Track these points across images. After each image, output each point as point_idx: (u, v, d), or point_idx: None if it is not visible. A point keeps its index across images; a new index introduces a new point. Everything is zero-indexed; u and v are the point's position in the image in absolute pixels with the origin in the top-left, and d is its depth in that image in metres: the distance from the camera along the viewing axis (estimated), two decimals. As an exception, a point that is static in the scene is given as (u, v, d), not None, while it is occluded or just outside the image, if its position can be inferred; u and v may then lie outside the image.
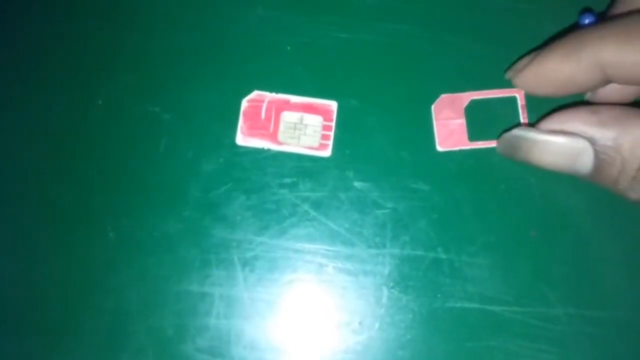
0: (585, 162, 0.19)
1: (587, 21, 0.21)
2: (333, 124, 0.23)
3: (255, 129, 0.23)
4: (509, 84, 0.22)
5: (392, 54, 0.23)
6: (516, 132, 0.20)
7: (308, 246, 0.22)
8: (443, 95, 0.23)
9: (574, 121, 0.19)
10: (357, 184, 0.22)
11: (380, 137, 0.23)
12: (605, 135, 0.18)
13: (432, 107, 0.23)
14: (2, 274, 0.22)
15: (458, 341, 0.21)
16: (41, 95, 0.23)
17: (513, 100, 0.23)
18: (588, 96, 0.21)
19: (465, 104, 0.23)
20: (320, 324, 0.22)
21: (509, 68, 0.22)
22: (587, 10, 0.22)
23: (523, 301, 0.22)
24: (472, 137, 0.22)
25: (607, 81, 0.19)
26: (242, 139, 0.23)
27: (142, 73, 0.23)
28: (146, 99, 0.23)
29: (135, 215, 0.22)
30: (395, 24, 0.23)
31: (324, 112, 0.23)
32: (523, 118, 0.22)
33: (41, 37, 0.24)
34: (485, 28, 0.23)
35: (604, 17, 0.21)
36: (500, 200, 0.22)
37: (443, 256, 0.22)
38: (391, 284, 0.22)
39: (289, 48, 0.23)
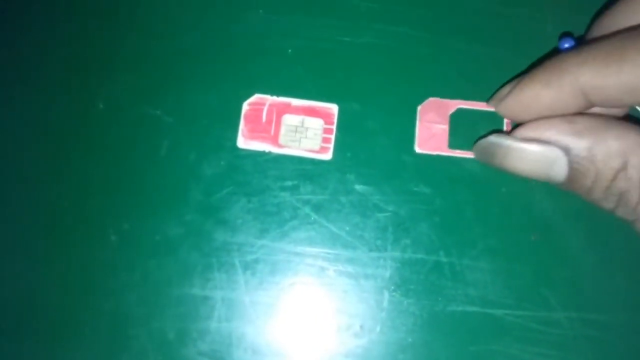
0: (559, 171, 0.19)
1: (566, 45, 0.21)
2: (334, 127, 0.23)
3: (257, 132, 0.23)
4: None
5: (393, 57, 0.23)
6: (491, 138, 0.20)
7: (309, 249, 0.22)
8: (431, 99, 0.23)
9: (549, 130, 0.19)
10: (358, 187, 0.22)
11: (381, 140, 0.23)
12: (580, 145, 0.18)
13: (419, 107, 0.23)
14: (3, 277, 0.22)
15: (459, 345, 0.21)
16: (41, 99, 0.23)
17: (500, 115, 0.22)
18: None
19: (452, 110, 0.23)
20: (321, 327, 0.22)
21: (491, 97, 0.22)
22: (566, 35, 0.22)
23: (524, 305, 0.22)
24: (453, 144, 0.23)
25: (590, 105, 0.19)
26: (244, 142, 0.23)
27: (143, 76, 0.23)
28: (147, 101, 0.23)
29: (137, 218, 0.22)
30: (396, 26, 0.23)
31: (325, 115, 0.23)
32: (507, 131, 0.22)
33: (41, 39, 0.24)
34: (486, 31, 0.23)
35: (582, 41, 0.21)
36: (501, 204, 0.22)
37: (444, 260, 0.22)
38: (392, 287, 0.22)
39: (290, 51, 0.23)
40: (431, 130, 0.23)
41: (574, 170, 0.18)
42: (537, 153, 0.19)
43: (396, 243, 0.22)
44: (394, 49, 0.23)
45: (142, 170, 0.22)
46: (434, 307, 0.22)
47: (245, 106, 0.23)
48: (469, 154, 0.22)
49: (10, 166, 0.23)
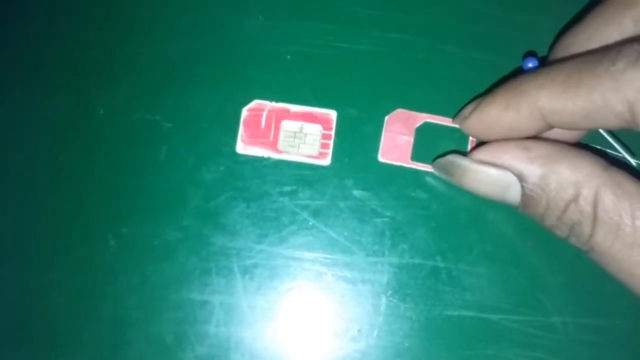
0: (513, 195, 0.19)
1: (530, 65, 0.21)
2: (332, 132, 0.23)
3: (256, 137, 0.23)
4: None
5: (390, 64, 0.23)
6: (450, 158, 0.21)
7: (307, 254, 0.22)
8: (399, 110, 0.23)
9: (505, 155, 0.19)
10: (356, 192, 0.23)
11: (379, 146, 0.23)
12: (533, 172, 0.18)
13: (386, 118, 0.23)
14: (0, 282, 0.22)
15: (456, 349, 0.22)
16: (41, 104, 0.23)
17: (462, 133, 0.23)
18: None
19: (419, 124, 0.23)
20: (319, 331, 0.22)
21: (456, 114, 0.22)
22: (530, 54, 0.22)
23: (520, 309, 0.22)
24: (415, 157, 0.23)
25: (549, 127, 0.19)
26: (243, 148, 0.23)
27: (142, 81, 0.23)
28: (146, 107, 0.23)
29: (136, 222, 0.22)
30: (395, 33, 0.24)
31: (323, 121, 0.23)
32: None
33: (40, 44, 0.24)
34: (484, 38, 0.23)
35: (545, 61, 0.21)
36: (498, 210, 0.22)
37: (441, 264, 0.22)
38: (390, 292, 0.22)
39: (288, 57, 0.24)
40: (395, 141, 0.23)
41: (526, 196, 0.19)
42: (492, 177, 0.19)
43: (394, 248, 0.22)
44: (392, 55, 0.23)
45: (141, 175, 0.23)
46: (431, 312, 0.22)
47: (244, 112, 0.23)
48: (430, 168, 0.22)
49: (9, 170, 0.23)
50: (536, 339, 0.22)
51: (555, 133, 0.20)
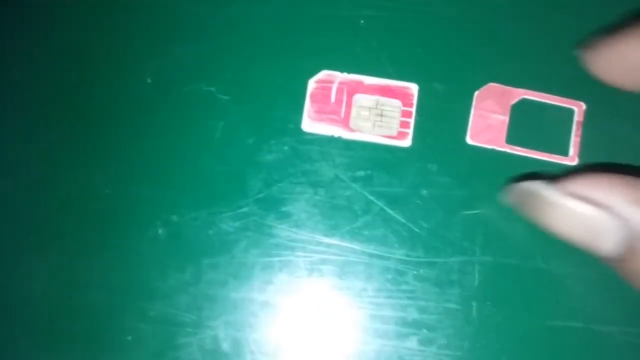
0: (610, 243, 0.15)
1: None
2: (413, 109, 0.20)
3: (324, 113, 0.20)
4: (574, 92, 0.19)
5: (481, 31, 0.20)
6: (534, 185, 0.17)
7: (384, 250, 0.19)
8: (491, 84, 0.20)
9: (611, 192, 0.15)
10: (441, 179, 0.20)
11: (467, 126, 0.20)
12: None
13: (475, 93, 0.20)
14: (38, 273, 0.19)
15: (561, 366, 0.18)
16: (83, 72, 0.20)
17: (569, 112, 0.20)
18: None
19: (515, 100, 0.20)
20: (398, 341, 0.19)
21: (581, 44, 0.19)
22: None
23: (637, 321, 0.19)
24: (511, 139, 0.20)
25: None
26: (309, 125, 0.20)
27: (196, 47, 0.20)
28: (200, 77, 0.20)
29: (187, 209, 0.19)
30: (486, -5, 0.21)
31: (402, 96, 0.20)
32: (575, 136, 0.20)
33: (84, 8, 0.21)
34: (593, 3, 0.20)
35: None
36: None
37: (543, 266, 0.19)
38: (481, 297, 0.19)
39: (362, 22, 0.21)
40: (487, 121, 0.20)
41: (630, 248, 0.15)
42: (587, 217, 0.15)
43: (486, 246, 0.19)
44: (481, 21, 0.20)
45: (194, 155, 0.20)
46: (531, 322, 0.19)
47: (311, 84, 0.20)
48: (530, 153, 0.19)
49: (47, 149, 0.20)
50: (656, 357, 0.18)
51: None
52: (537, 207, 0.17)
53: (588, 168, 0.17)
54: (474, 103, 0.20)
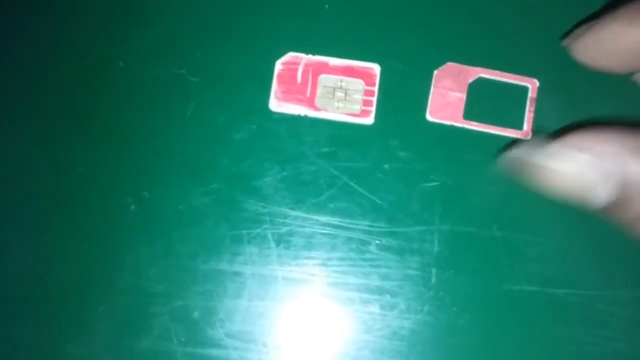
0: (601, 194, 0.16)
1: None
2: (375, 88, 0.21)
3: (291, 93, 0.21)
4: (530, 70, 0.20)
5: (440, 12, 0.21)
6: (523, 150, 0.17)
7: (348, 221, 0.20)
8: (449, 63, 0.21)
9: (598, 144, 0.16)
10: (402, 153, 0.20)
11: (427, 103, 0.21)
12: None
13: (435, 72, 0.21)
14: (12, 249, 0.20)
15: (517, 328, 0.19)
16: (56, 55, 0.21)
17: (524, 89, 0.21)
18: (637, 76, 0.19)
19: (471, 79, 0.21)
20: (363, 306, 0.20)
21: (566, 34, 0.20)
22: None
23: (589, 284, 0.19)
24: (468, 115, 0.20)
25: None
26: (277, 105, 0.21)
27: (166, 31, 0.21)
28: (171, 60, 0.21)
29: (158, 186, 0.20)
30: (443, -19, 0.22)
31: (365, 76, 0.21)
32: (529, 111, 0.21)
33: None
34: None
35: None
36: (561, 173, 0.20)
37: (498, 234, 0.20)
38: (441, 264, 0.20)
39: (327, 6, 0.21)
40: (446, 98, 0.21)
41: (624, 195, 0.16)
42: (585, 165, 0.16)
43: (445, 216, 0.20)
44: (441, 2, 0.21)
45: (165, 134, 0.20)
46: (488, 286, 0.20)
47: (278, 65, 0.21)
48: (485, 127, 0.20)
49: (21, 129, 0.21)
50: (606, 316, 0.19)
51: None
52: (532, 170, 0.17)
53: (575, 127, 0.18)
54: (433, 81, 0.21)
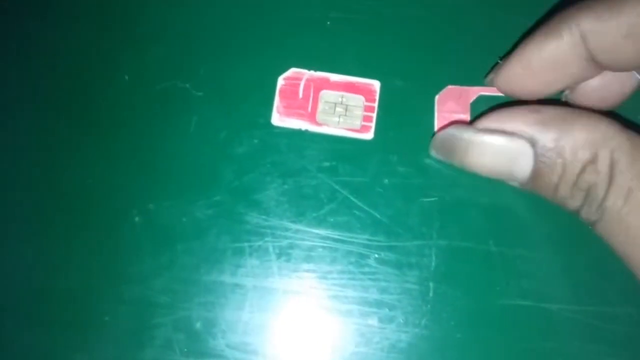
0: (523, 165, 0.17)
1: None
2: (375, 104, 0.21)
3: (292, 108, 0.21)
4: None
5: (439, 31, 0.22)
6: (451, 130, 0.19)
7: (348, 235, 0.20)
8: (449, 87, 0.21)
9: (514, 120, 0.17)
10: (401, 169, 0.21)
11: (426, 119, 0.21)
12: (546, 136, 0.17)
13: (436, 97, 0.21)
14: (19, 260, 0.20)
15: (512, 342, 0.20)
16: (63, 69, 0.22)
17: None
18: (566, 94, 0.20)
19: (472, 99, 0.21)
20: (362, 319, 0.20)
21: (487, 73, 0.21)
22: None
23: (583, 299, 0.20)
24: None
25: (590, 59, 0.17)
26: (278, 119, 0.21)
27: (172, 47, 0.21)
28: (175, 74, 0.21)
29: (163, 199, 0.20)
30: (443, -1, 0.22)
31: (365, 92, 0.21)
32: None
33: (63, 8, 0.22)
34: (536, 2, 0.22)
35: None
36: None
37: (494, 249, 0.20)
38: (438, 278, 0.20)
39: (328, 23, 0.22)
40: (450, 121, 0.21)
41: (539, 164, 0.17)
42: (500, 146, 0.17)
43: (442, 230, 0.20)
44: (440, 21, 0.22)
45: (170, 148, 0.21)
46: (484, 301, 0.20)
47: (280, 81, 0.21)
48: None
49: (28, 141, 0.21)
50: (599, 332, 0.20)
51: (589, 90, 0.19)
52: (458, 149, 0.19)
53: (494, 107, 0.19)
54: (436, 106, 0.21)
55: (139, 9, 0.22)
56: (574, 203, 0.17)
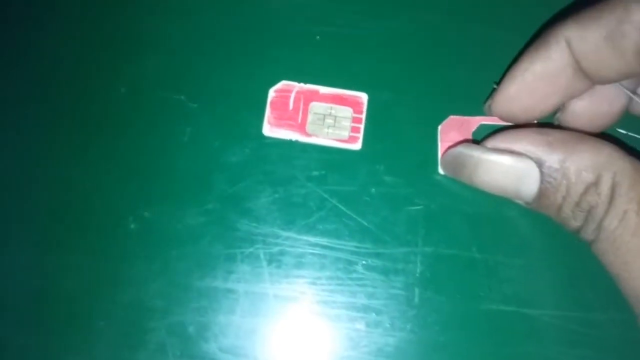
0: (530, 185, 0.18)
1: None
2: (363, 116, 0.22)
3: (283, 119, 0.22)
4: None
5: (425, 45, 0.22)
6: (461, 149, 0.20)
7: (336, 242, 0.21)
8: (451, 117, 0.22)
9: (522, 141, 0.18)
10: (388, 178, 0.22)
11: (412, 130, 0.22)
12: (552, 157, 0.18)
13: (439, 127, 0.22)
14: (16, 265, 0.21)
15: (494, 346, 0.20)
16: (61, 81, 0.22)
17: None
18: (557, 116, 0.21)
19: (474, 128, 0.22)
20: (349, 324, 0.21)
21: (485, 100, 0.21)
22: None
23: (563, 305, 0.21)
24: None
25: (579, 70, 0.18)
26: (269, 130, 0.22)
27: (167, 59, 0.22)
28: (171, 86, 0.22)
29: (158, 206, 0.21)
30: (430, 13, 0.23)
31: (353, 104, 0.22)
32: None
33: (60, 19, 0.23)
34: (521, 16, 0.22)
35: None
36: (538, 198, 0.21)
37: (478, 256, 0.21)
38: (423, 283, 0.21)
39: (318, 37, 0.23)
40: (459, 141, 0.21)
41: (545, 184, 0.18)
42: (508, 165, 0.18)
43: (428, 238, 0.21)
44: (426, 36, 0.23)
45: (164, 157, 0.22)
46: (468, 306, 0.21)
47: (271, 93, 0.22)
48: None
49: (27, 149, 0.22)
50: (579, 336, 0.20)
51: (579, 112, 0.20)
52: (467, 166, 0.19)
53: (504, 128, 0.20)
54: (439, 136, 0.22)
55: (135, 22, 0.23)
56: (575, 223, 0.18)
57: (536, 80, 0.19)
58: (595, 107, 0.20)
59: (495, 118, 0.21)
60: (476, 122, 0.22)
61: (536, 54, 0.19)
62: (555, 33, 0.18)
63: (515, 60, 0.21)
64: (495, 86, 0.20)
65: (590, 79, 0.19)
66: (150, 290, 0.21)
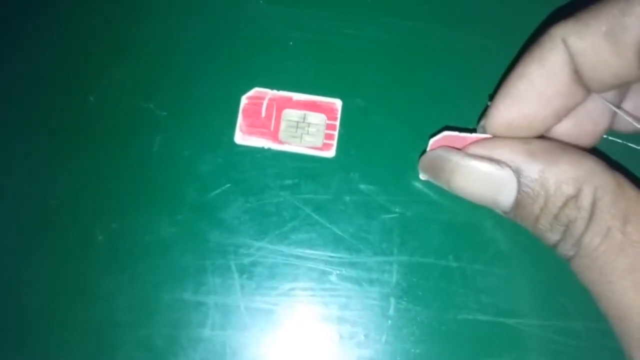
0: (507, 194, 0.18)
1: None
2: (337, 123, 0.22)
3: (255, 127, 0.21)
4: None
5: (399, 52, 0.22)
6: (440, 152, 0.19)
7: (310, 252, 0.21)
8: (445, 133, 0.20)
9: (502, 148, 0.18)
10: (362, 186, 0.21)
11: (387, 138, 0.21)
12: (532, 167, 0.17)
13: (430, 141, 0.20)
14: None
15: (471, 356, 0.20)
16: (30, 90, 0.22)
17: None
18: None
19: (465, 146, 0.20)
20: (322, 336, 0.20)
21: (479, 119, 0.21)
22: None
23: (541, 314, 0.20)
24: None
25: (576, 74, 0.17)
26: (241, 138, 0.21)
27: (135, 67, 0.22)
28: (140, 94, 0.22)
29: (126, 217, 0.21)
30: (404, 20, 0.22)
31: (327, 111, 0.22)
32: None
33: (29, 30, 0.23)
34: (497, 23, 0.22)
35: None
36: (515, 205, 0.21)
37: (454, 264, 0.21)
38: (399, 293, 0.20)
39: (291, 43, 0.22)
40: (441, 145, 0.21)
41: (523, 194, 0.17)
42: (486, 172, 0.18)
43: (403, 246, 0.21)
44: (400, 43, 0.22)
45: (134, 167, 0.21)
46: (444, 315, 0.20)
47: (243, 100, 0.22)
48: None
49: (-7, 161, 0.21)
50: (557, 346, 0.20)
51: (568, 128, 0.19)
52: (444, 170, 0.19)
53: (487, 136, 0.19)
54: (429, 147, 0.20)
55: (104, 29, 0.22)
56: (553, 237, 0.17)
57: (531, 86, 0.18)
58: (579, 127, 0.19)
59: (490, 136, 0.20)
60: (468, 141, 0.20)
61: (530, 58, 0.18)
62: (549, 33, 0.17)
63: (495, 66, 0.21)
64: (488, 103, 0.20)
65: (586, 85, 0.18)
66: (119, 303, 0.20)
